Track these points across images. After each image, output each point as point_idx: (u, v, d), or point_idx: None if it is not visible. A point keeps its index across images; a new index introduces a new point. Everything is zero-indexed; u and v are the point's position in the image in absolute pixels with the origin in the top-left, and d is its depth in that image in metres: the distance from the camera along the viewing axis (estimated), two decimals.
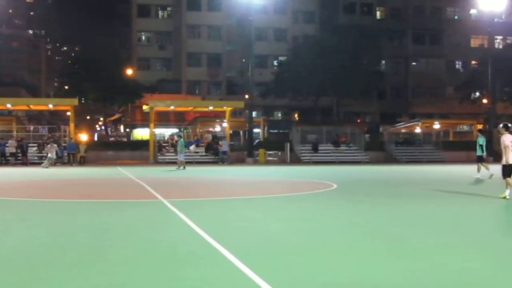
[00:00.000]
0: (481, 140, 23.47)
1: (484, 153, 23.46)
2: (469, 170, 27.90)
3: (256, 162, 43.21)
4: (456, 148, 50.84)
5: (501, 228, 10.42)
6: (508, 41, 71.69)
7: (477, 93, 66.30)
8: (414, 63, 72.22)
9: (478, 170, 23.42)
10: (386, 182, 22.29)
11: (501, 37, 70.57)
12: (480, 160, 23.58)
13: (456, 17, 73.42)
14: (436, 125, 54.64)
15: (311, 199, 15.05)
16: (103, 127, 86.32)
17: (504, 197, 14.27)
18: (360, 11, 71.48)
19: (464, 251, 7.52)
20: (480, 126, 55.06)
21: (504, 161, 14.38)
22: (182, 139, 35.64)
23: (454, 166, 37.29)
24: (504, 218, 12.18)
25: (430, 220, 10.63)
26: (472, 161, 33.85)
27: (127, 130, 73.43)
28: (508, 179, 14.31)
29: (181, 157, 33.42)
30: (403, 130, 55.13)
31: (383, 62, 69.00)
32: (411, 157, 47.05)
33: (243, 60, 65.44)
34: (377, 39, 62.24)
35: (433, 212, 11.94)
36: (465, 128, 67.14)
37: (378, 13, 73.47)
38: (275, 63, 69.83)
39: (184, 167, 32.50)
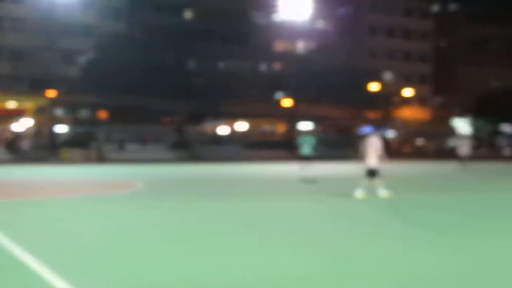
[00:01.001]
0: (307, 140, 23.58)
1: (311, 153, 23.16)
2: (276, 169, 29.70)
3: (60, 161, 42.70)
4: (261, 147, 53.65)
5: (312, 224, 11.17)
6: (312, 46, 76.79)
7: (282, 95, 70.42)
8: (221, 64, 74.87)
9: (302, 170, 23.41)
10: (192, 181, 23.10)
11: (305, 41, 75.41)
12: (305, 159, 23.39)
13: (262, 21, 77.26)
14: (242, 125, 57.10)
15: (116, 199, 15.43)
16: None
17: (362, 197, 15.37)
18: (168, 10, 72.66)
19: (271, 245, 8.49)
20: (285, 126, 59.05)
21: (367, 164, 15.52)
22: None
23: (260, 165, 38.80)
24: (319, 215, 12.94)
25: (239, 217, 11.73)
26: (276, 159, 36.22)
27: None
28: (366, 180, 15.57)
29: None
30: (210, 130, 57.05)
31: (191, 62, 70.80)
32: (217, 156, 48.93)
33: (48, 55, 63.76)
34: (185, 39, 63.91)
35: (239, 209, 13.14)
36: (269, 128, 71.01)
37: (187, 13, 75.18)
38: (82, 59, 68.76)
39: None
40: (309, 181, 21.69)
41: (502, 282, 6.57)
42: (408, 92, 74.18)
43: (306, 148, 22.80)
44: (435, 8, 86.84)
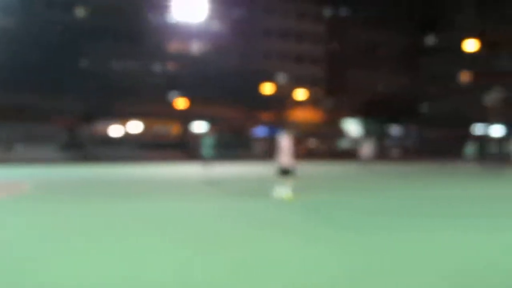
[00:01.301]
0: (208, 141, 24.07)
1: (212, 154, 23.78)
2: (170, 170, 29.97)
3: None
4: (155, 148, 53.81)
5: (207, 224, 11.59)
6: (206, 47, 77.49)
7: (176, 95, 70.68)
8: (115, 63, 74.18)
9: (205, 170, 24.15)
10: (83, 182, 23.04)
11: (200, 42, 75.97)
12: (206, 160, 23.98)
13: (157, 21, 77.18)
14: (135, 125, 56.95)
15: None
16: None
17: (285, 197, 15.90)
18: (61, 7, 71.24)
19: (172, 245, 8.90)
20: (179, 127, 59.33)
21: (281, 163, 16.03)
22: None
23: (154, 166, 39.18)
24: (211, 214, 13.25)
25: (134, 218, 11.95)
26: (170, 160, 36.49)
27: None
28: (289, 179, 16.06)
29: None
30: (102, 130, 56.54)
31: (84, 60, 69.79)
32: (110, 156, 48.68)
33: None
34: (77, 37, 62.98)
35: (134, 210, 13.40)
36: (163, 129, 71.09)
37: (79, 11, 73.90)
38: None
39: None
40: (212, 182, 22.35)
41: (396, 276, 7.28)
42: (301, 94, 76.44)
43: (207, 149, 23.51)
44: (328, 12, 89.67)
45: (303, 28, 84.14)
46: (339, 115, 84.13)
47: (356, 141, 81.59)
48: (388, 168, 36.75)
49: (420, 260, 8.16)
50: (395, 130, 76.83)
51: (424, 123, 65.23)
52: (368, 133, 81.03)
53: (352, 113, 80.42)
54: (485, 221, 12.41)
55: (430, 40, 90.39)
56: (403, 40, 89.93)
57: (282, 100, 71.34)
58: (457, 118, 57.88)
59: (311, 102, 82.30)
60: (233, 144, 55.16)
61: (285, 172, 16.12)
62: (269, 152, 61.96)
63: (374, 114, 74.22)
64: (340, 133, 78.85)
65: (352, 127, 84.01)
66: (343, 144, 78.70)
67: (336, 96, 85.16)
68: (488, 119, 61.23)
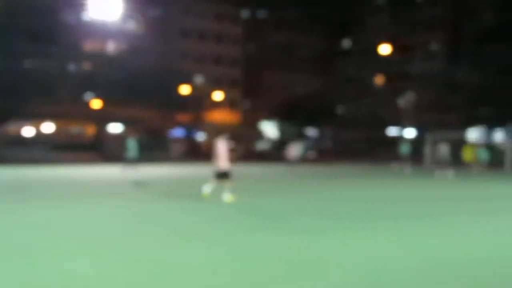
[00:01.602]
0: (132, 144, 24.35)
1: (136, 156, 24.25)
2: (85, 172, 29.65)
3: None
4: (69, 150, 52.96)
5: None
6: (123, 47, 76.67)
7: (91, 96, 69.74)
8: (27, 62, 72.50)
9: (129, 171, 24.39)
10: None
11: (115, 42, 75.16)
12: (131, 162, 24.24)
13: (71, 19, 75.87)
14: (48, 126, 55.95)
15: None
16: None
17: (227, 200, 16.08)
18: None
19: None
20: (94, 128, 58.65)
21: (218, 166, 16.23)
22: None
23: (68, 168, 38.42)
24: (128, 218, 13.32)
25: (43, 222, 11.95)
26: (85, 162, 36.02)
27: None
28: (229, 182, 16.27)
29: None
30: (14, 131, 55.29)
31: None
32: (22, 158, 47.63)
33: None
34: None
35: (42, 214, 13.34)
36: (78, 130, 70.02)
37: None
38: None
39: None
40: (137, 183, 22.64)
41: (313, 276, 7.53)
42: (218, 95, 76.96)
43: (131, 151, 23.94)
44: (245, 14, 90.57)
45: (221, 30, 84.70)
46: (257, 117, 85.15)
47: (274, 143, 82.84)
48: (310, 170, 37.53)
49: (337, 260, 8.57)
50: (311, 132, 78.37)
51: (339, 125, 66.87)
52: (285, 135, 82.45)
53: (270, 115, 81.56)
54: (409, 221, 13.10)
55: (346, 43, 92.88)
56: (320, 42, 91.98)
57: (199, 101, 71.60)
58: (371, 120, 59.66)
59: (228, 103, 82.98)
60: (150, 146, 55.03)
61: (222, 175, 16.37)
62: (186, 153, 62.19)
63: (291, 116, 75.49)
64: (258, 135, 79.83)
65: (269, 129, 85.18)
66: (261, 146, 79.67)
67: (254, 98, 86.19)
68: (401, 122, 63.54)
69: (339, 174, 34.27)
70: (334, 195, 20.14)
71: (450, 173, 32.04)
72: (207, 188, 16.71)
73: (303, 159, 33.09)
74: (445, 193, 21.35)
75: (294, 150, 32.98)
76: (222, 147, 16.37)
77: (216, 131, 20.13)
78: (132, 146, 24.01)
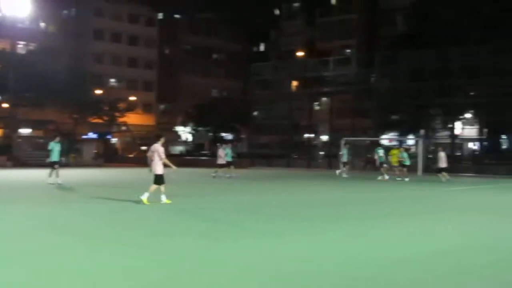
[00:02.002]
0: (55, 147, 24.17)
1: (58, 159, 24.24)
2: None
3: None
4: None
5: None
6: (31, 47, 74.53)
7: None
8: None
9: (50, 175, 24.17)
10: None
11: (24, 42, 72.99)
12: (53, 165, 24.09)
13: None
14: None
15: None
16: None
17: (145, 202, 15.83)
18: None
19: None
20: (2, 131, 56.74)
21: (154, 171, 16.07)
22: None
23: None
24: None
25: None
26: None
27: None
28: (155, 186, 16.07)
29: None
30: None
31: None
32: None
33: None
34: None
35: None
36: None
37: None
38: None
39: None
40: (58, 186, 22.84)
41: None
42: (133, 98, 76.07)
43: (54, 154, 24.03)
44: (160, 16, 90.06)
45: (136, 31, 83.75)
46: (172, 120, 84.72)
47: (190, 146, 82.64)
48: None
49: (254, 264, 8.46)
50: (226, 135, 78.56)
51: (255, 129, 67.30)
52: (200, 138, 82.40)
53: (185, 118, 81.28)
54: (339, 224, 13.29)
55: (262, 47, 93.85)
56: (236, 46, 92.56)
57: (113, 104, 70.41)
58: (287, 124, 60.40)
59: (143, 106, 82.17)
60: (63, 149, 53.70)
61: (158, 179, 16.24)
62: (100, 156, 61.09)
63: (206, 119, 75.52)
64: (173, 138, 79.39)
65: (185, 132, 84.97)
66: (177, 149, 79.30)
67: (169, 101, 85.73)
68: (317, 126, 64.66)
69: (253, 178, 34.60)
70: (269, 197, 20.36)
71: (344, 172, 35.03)
72: (147, 195, 16.19)
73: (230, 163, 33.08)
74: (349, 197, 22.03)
75: (223, 153, 33.05)
76: (158, 150, 16.24)
77: (155, 135, 20.16)
78: (55, 148, 24.26)
